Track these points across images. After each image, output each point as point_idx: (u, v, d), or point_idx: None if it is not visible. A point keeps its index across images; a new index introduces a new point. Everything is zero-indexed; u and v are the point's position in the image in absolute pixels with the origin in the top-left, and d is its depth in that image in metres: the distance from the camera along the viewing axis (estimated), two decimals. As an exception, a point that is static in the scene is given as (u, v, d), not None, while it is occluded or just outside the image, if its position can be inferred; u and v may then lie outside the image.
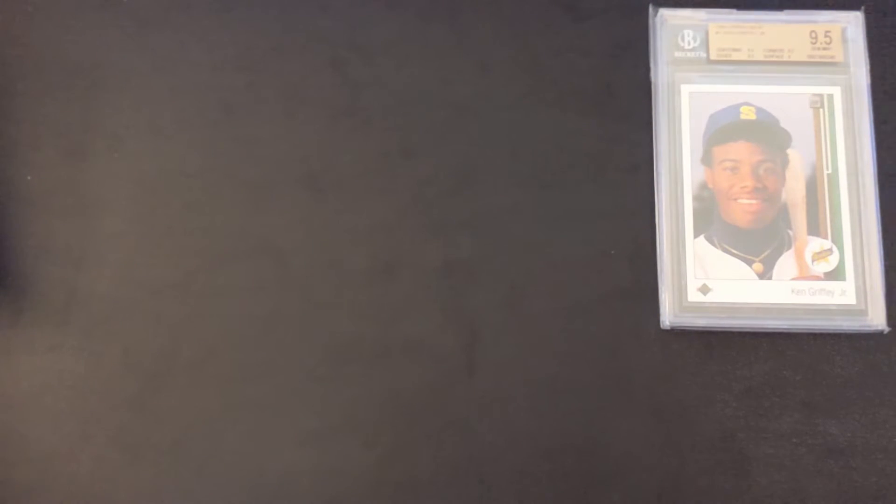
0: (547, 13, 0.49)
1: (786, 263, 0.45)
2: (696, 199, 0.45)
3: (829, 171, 0.46)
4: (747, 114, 0.46)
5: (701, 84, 0.47)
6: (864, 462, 0.43)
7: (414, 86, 0.48)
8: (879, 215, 0.45)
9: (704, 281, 0.44)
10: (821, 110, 0.46)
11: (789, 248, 0.45)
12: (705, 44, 0.47)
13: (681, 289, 0.44)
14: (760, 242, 0.45)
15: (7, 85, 0.48)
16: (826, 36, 0.47)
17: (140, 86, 0.48)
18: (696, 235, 0.45)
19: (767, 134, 0.46)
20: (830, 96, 0.46)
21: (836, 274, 0.44)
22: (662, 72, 0.47)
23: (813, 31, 0.47)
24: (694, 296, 0.44)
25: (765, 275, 0.44)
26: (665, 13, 0.48)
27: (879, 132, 0.46)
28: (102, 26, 0.48)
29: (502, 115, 0.47)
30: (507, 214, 0.46)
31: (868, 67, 0.46)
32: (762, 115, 0.46)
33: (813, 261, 0.44)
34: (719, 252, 0.45)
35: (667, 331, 0.44)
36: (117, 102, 0.48)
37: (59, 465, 0.44)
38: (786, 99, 0.46)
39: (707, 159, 0.46)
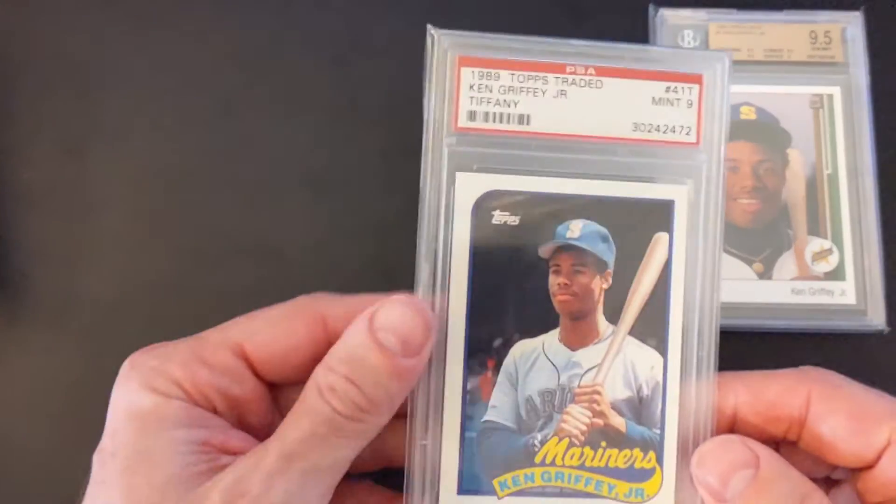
0: (547, 13, 0.49)
1: (786, 263, 0.45)
2: (697, 199, 0.45)
3: (829, 171, 0.46)
4: (747, 114, 0.46)
5: (701, 84, 0.47)
6: (864, 462, 0.43)
7: (414, 85, 0.48)
8: (879, 215, 0.45)
9: (705, 281, 0.44)
10: (821, 110, 0.46)
11: (789, 248, 0.45)
12: (705, 44, 0.47)
13: (681, 289, 0.44)
14: (760, 242, 0.45)
15: (7, 84, 0.48)
16: (826, 36, 0.47)
17: (140, 85, 0.48)
18: (696, 235, 0.45)
19: (767, 134, 0.46)
20: (830, 96, 0.46)
21: (836, 274, 0.44)
22: (662, 72, 0.47)
23: (813, 31, 0.47)
24: (694, 296, 0.44)
25: (765, 275, 0.44)
26: (665, 13, 0.48)
27: (879, 132, 0.46)
28: (102, 25, 0.48)
29: (502, 114, 0.47)
30: (507, 214, 0.46)
31: (868, 67, 0.46)
32: (762, 115, 0.46)
33: (813, 261, 0.45)
34: (719, 252, 0.45)
35: (667, 331, 0.44)
36: (117, 102, 0.47)
37: (58, 466, 0.44)
38: (786, 99, 0.46)
39: (707, 159, 0.46)
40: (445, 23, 0.48)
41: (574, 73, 0.33)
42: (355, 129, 0.47)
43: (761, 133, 0.46)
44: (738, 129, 0.46)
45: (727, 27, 0.47)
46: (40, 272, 0.46)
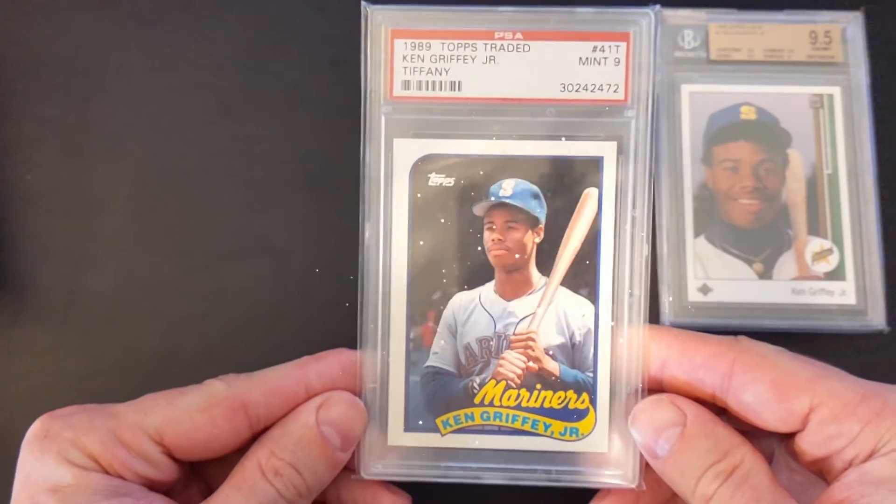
0: (547, 13, 0.49)
1: (786, 263, 0.45)
2: (696, 199, 0.45)
3: (829, 171, 0.46)
4: (747, 114, 0.46)
5: (701, 84, 0.47)
6: (864, 462, 0.43)
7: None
8: (879, 215, 0.45)
9: (705, 281, 0.44)
10: (821, 110, 0.46)
11: (789, 248, 0.45)
12: (705, 44, 0.47)
13: (681, 289, 0.44)
14: (760, 242, 0.45)
15: (7, 85, 0.48)
16: (826, 36, 0.47)
17: (139, 86, 0.48)
18: (696, 235, 0.45)
19: (767, 134, 0.46)
20: (830, 96, 0.46)
21: (836, 274, 0.44)
22: (662, 72, 0.47)
23: (813, 31, 0.47)
24: (694, 296, 0.44)
25: (765, 275, 0.44)
26: (665, 13, 0.48)
27: (879, 132, 0.46)
28: (102, 26, 0.48)
29: (502, 115, 0.47)
30: (507, 214, 0.46)
31: (868, 67, 0.46)
32: (762, 115, 0.46)
33: (813, 261, 0.45)
34: (719, 252, 0.45)
35: (667, 331, 0.44)
36: (117, 102, 0.48)
37: (59, 465, 0.44)
38: (786, 99, 0.46)
39: (707, 159, 0.46)
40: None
41: (503, 38, 0.35)
42: (355, 129, 0.47)
43: (761, 133, 0.46)
44: (738, 129, 0.46)
45: (727, 27, 0.47)
46: (43, 272, 0.46)
